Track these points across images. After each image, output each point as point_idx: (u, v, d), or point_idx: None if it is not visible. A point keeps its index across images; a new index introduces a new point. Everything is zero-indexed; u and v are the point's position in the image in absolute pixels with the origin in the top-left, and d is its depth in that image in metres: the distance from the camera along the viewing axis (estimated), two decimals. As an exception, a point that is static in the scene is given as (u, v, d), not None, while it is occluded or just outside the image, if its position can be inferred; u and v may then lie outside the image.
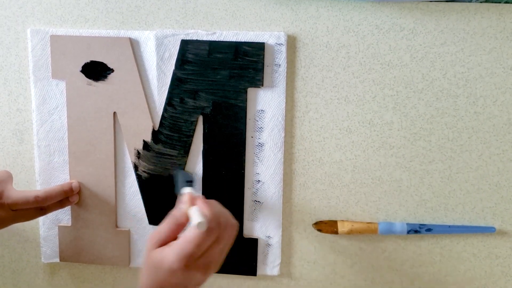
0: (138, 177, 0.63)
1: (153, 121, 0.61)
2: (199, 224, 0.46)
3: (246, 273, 0.64)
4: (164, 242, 0.48)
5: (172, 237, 0.48)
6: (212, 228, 0.47)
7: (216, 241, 0.48)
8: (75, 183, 0.63)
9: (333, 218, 0.63)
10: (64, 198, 0.62)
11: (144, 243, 0.64)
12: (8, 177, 0.60)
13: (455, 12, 0.57)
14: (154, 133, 0.61)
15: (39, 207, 0.60)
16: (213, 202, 0.50)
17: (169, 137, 0.61)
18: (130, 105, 0.61)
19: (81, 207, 0.64)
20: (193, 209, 0.48)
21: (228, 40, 0.59)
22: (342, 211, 0.62)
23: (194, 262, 0.47)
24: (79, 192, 0.63)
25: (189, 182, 0.58)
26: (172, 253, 0.46)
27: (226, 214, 0.50)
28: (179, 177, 0.60)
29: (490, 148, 0.60)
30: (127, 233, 0.64)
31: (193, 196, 0.50)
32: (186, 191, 0.51)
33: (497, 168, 0.60)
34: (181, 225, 0.48)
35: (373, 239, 0.63)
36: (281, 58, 0.59)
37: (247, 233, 0.63)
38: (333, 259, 0.64)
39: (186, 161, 0.62)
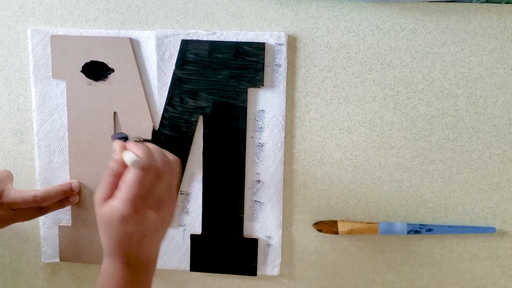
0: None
1: (153, 121, 0.61)
2: (133, 163, 0.46)
3: (246, 273, 0.64)
4: (108, 197, 0.48)
5: (114, 189, 0.48)
6: (148, 164, 0.47)
7: (157, 177, 0.48)
8: (75, 183, 0.63)
9: (333, 218, 0.63)
10: (64, 198, 0.62)
11: (144, 243, 0.64)
12: (8, 177, 0.60)
13: (456, 13, 0.57)
14: (155, 133, 0.62)
15: (38, 207, 0.60)
16: (147, 143, 0.50)
17: (169, 137, 0.61)
18: (130, 105, 0.61)
19: (81, 207, 0.64)
20: (126, 153, 0.48)
21: (228, 40, 0.59)
22: (342, 211, 0.62)
23: (142, 203, 0.46)
24: (79, 192, 0.63)
25: (122, 139, 0.56)
26: (117, 201, 0.46)
27: (161, 150, 0.50)
28: (112, 139, 0.59)
29: (490, 149, 0.60)
30: (127, 233, 0.64)
31: (122, 143, 0.50)
32: (115, 143, 0.51)
33: (498, 169, 0.60)
34: (119, 175, 0.48)
35: (373, 239, 0.63)
36: (282, 58, 0.59)
37: (247, 233, 0.63)
38: (333, 259, 0.64)
39: (186, 161, 0.62)
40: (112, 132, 0.62)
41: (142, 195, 0.47)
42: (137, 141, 0.54)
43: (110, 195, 0.48)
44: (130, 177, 0.47)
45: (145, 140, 0.60)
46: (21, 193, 0.58)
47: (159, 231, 0.50)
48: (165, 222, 0.50)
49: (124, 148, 0.49)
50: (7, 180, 0.59)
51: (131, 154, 0.47)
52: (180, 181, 0.50)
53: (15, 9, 0.62)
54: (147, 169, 0.47)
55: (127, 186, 0.46)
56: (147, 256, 0.50)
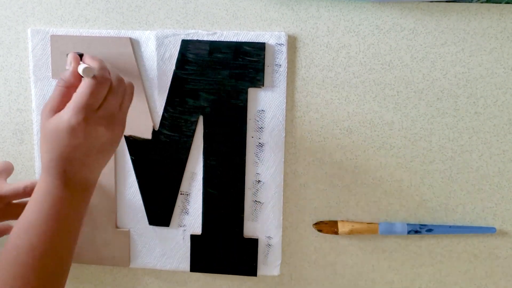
0: (139, 177, 0.63)
1: (153, 121, 0.61)
2: (85, 69, 0.45)
3: (247, 273, 0.64)
4: (57, 109, 0.47)
5: (65, 102, 0.47)
6: (102, 76, 0.46)
7: (111, 92, 0.47)
8: None
9: (334, 219, 0.63)
10: None
11: (144, 243, 0.64)
12: (3, 170, 0.59)
13: (456, 13, 0.57)
14: (155, 133, 0.61)
15: None
16: (102, 60, 0.50)
17: (169, 137, 0.61)
18: (130, 104, 0.61)
19: (81, 207, 0.64)
20: (81, 65, 0.47)
21: (228, 40, 0.59)
22: (342, 211, 0.62)
23: (92, 114, 0.45)
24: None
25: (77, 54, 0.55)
26: (67, 110, 0.45)
27: (115, 69, 0.49)
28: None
29: (490, 149, 0.60)
30: (127, 233, 0.64)
31: (77, 55, 0.49)
32: (70, 55, 0.50)
33: (498, 169, 0.60)
34: (71, 87, 0.47)
35: (373, 239, 0.63)
36: (282, 58, 0.59)
37: (247, 233, 0.63)
38: (334, 260, 0.64)
39: (186, 161, 0.62)
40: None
41: (94, 106, 0.46)
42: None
43: (60, 108, 0.47)
44: (82, 86, 0.46)
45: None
46: (11, 186, 0.57)
47: (104, 151, 0.49)
48: (112, 143, 0.49)
49: (79, 61, 0.48)
50: (1, 174, 0.59)
51: (85, 65, 0.47)
52: (130, 104, 0.51)
53: (15, 9, 0.62)
54: (100, 80, 0.46)
55: (78, 95, 0.45)
56: (86, 177, 0.49)
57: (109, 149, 0.49)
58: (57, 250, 0.47)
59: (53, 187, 0.47)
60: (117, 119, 0.49)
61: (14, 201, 0.59)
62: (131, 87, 0.51)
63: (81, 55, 0.52)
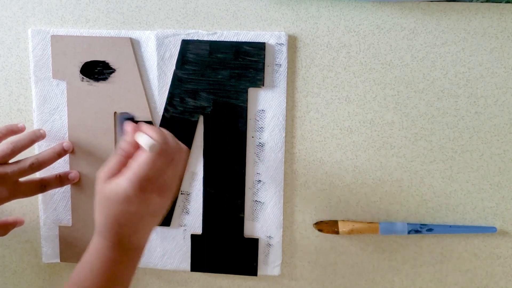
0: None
1: (153, 121, 0.61)
2: (151, 146, 0.45)
3: (247, 273, 0.64)
4: (113, 175, 0.47)
5: (121, 168, 0.47)
6: (163, 149, 0.46)
7: (168, 163, 0.47)
8: (66, 143, 0.62)
9: (334, 218, 0.63)
10: (63, 175, 0.62)
11: (144, 243, 0.64)
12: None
13: (456, 12, 0.57)
14: (155, 133, 0.61)
15: (39, 183, 0.60)
16: (161, 128, 0.50)
17: (169, 137, 0.61)
18: (130, 105, 0.61)
19: (81, 208, 0.64)
20: (140, 135, 0.47)
21: (228, 40, 0.59)
22: (342, 211, 0.62)
23: (149, 186, 0.46)
24: (79, 181, 0.63)
25: (129, 119, 0.55)
26: (125, 179, 0.46)
27: (173, 137, 0.50)
28: (119, 119, 0.59)
29: (491, 148, 0.60)
30: (128, 233, 0.64)
31: (135, 125, 0.49)
32: (127, 124, 0.50)
33: (498, 168, 0.60)
34: (129, 156, 0.48)
35: (374, 239, 0.63)
36: (282, 58, 0.59)
37: (247, 233, 0.63)
38: (334, 259, 0.64)
39: (186, 161, 0.62)
40: (112, 133, 0.62)
41: (151, 178, 0.46)
42: (145, 121, 0.53)
43: (115, 174, 0.47)
44: (143, 158, 0.46)
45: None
46: (17, 164, 0.58)
47: (156, 216, 0.49)
48: (163, 207, 0.50)
49: (136, 130, 0.49)
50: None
51: (147, 137, 0.46)
52: (184, 170, 0.51)
53: (16, 10, 0.62)
54: (161, 153, 0.46)
55: (138, 166, 0.46)
56: (138, 240, 0.49)
57: (160, 213, 0.50)
58: None
59: (106, 248, 0.48)
60: (171, 186, 0.49)
61: (22, 180, 0.59)
62: (186, 152, 0.51)
63: (132, 118, 0.53)
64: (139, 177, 0.46)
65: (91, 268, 0.48)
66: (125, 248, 0.49)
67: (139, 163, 0.46)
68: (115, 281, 0.49)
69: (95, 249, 0.49)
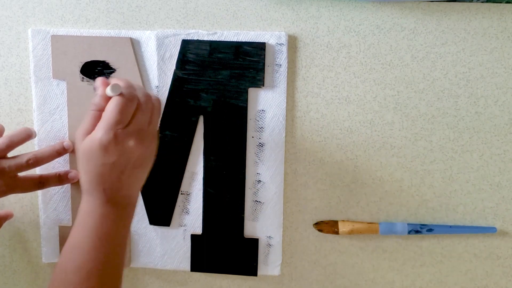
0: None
1: (154, 121, 0.61)
2: (112, 86, 0.46)
3: (247, 273, 0.64)
4: (91, 131, 0.48)
5: (96, 124, 0.48)
6: (129, 93, 0.47)
7: (139, 109, 0.48)
8: (66, 142, 0.62)
9: (334, 218, 0.63)
10: (63, 174, 0.62)
11: (144, 243, 0.64)
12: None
13: (456, 12, 0.57)
14: (155, 133, 0.62)
15: (37, 179, 0.60)
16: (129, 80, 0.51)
17: (170, 137, 0.61)
18: (159, 119, 0.61)
19: (81, 207, 0.64)
20: (108, 86, 0.48)
21: (229, 40, 0.59)
22: (343, 211, 0.62)
23: (122, 132, 0.47)
24: (79, 183, 0.63)
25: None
26: (97, 130, 0.47)
27: (142, 86, 0.51)
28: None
29: (491, 148, 0.59)
30: (128, 233, 0.64)
31: (104, 79, 0.50)
32: (98, 80, 0.51)
33: (498, 168, 0.60)
34: (102, 110, 0.48)
35: (374, 239, 0.63)
36: (282, 58, 0.59)
37: (248, 233, 0.63)
38: (334, 259, 0.64)
39: (186, 161, 0.62)
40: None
41: (123, 123, 0.47)
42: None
43: (92, 130, 0.48)
44: (110, 105, 0.47)
45: None
46: (14, 159, 0.58)
47: (140, 167, 0.50)
48: (146, 159, 0.50)
49: (107, 84, 0.49)
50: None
51: (111, 84, 0.48)
52: (159, 119, 0.52)
53: (16, 9, 0.62)
54: (127, 97, 0.47)
55: (107, 114, 0.47)
56: (126, 194, 0.50)
57: (144, 164, 0.50)
58: (103, 269, 0.48)
59: (95, 206, 0.48)
60: (148, 134, 0.50)
61: (20, 175, 0.59)
62: (159, 102, 0.52)
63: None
64: (110, 124, 0.46)
65: (84, 227, 0.48)
66: (115, 203, 0.49)
67: (107, 110, 0.47)
68: (109, 238, 0.48)
69: (85, 208, 0.49)
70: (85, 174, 0.49)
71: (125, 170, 0.48)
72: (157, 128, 0.52)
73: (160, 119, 0.52)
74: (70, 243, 0.49)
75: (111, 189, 0.48)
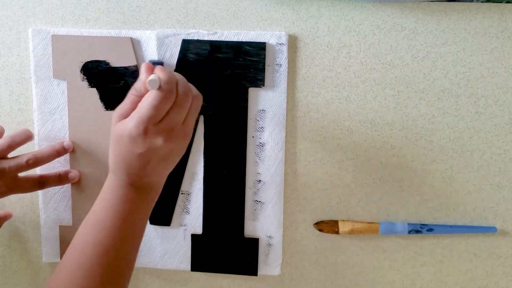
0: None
1: (154, 121, 0.61)
2: (150, 81, 0.46)
3: (247, 273, 0.64)
4: (126, 115, 0.48)
5: (133, 109, 0.48)
6: (168, 90, 0.47)
7: (175, 105, 0.48)
8: (67, 142, 0.62)
9: (334, 218, 0.63)
10: (63, 174, 0.62)
11: (144, 242, 0.64)
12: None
13: (457, 12, 0.57)
14: (155, 133, 0.61)
15: (37, 180, 0.60)
16: (176, 73, 0.50)
17: (170, 137, 0.61)
18: (196, 118, 0.61)
19: (82, 207, 0.64)
20: (151, 75, 0.47)
21: (229, 40, 0.59)
22: (343, 211, 0.62)
23: (153, 127, 0.46)
24: (79, 180, 0.63)
25: (156, 64, 0.55)
26: (130, 120, 0.47)
27: (185, 81, 0.50)
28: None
29: (491, 148, 0.59)
30: (128, 233, 0.64)
31: (150, 65, 0.50)
32: (144, 65, 0.50)
33: (499, 168, 0.60)
34: (142, 96, 0.48)
35: (374, 239, 0.63)
36: (282, 58, 0.59)
37: (248, 233, 0.63)
38: (334, 259, 0.64)
39: (187, 161, 0.62)
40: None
41: (156, 119, 0.46)
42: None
43: (127, 114, 0.48)
44: (147, 99, 0.46)
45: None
46: (14, 159, 0.58)
47: (166, 161, 0.50)
48: (174, 154, 0.50)
49: (152, 71, 0.49)
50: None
51: (154, 75, 0.47)
52: (198, 119, 0.52)
53: (16, 9, 0.62)
54: (166, 93, 0.46)
55: (141, 107, 0.46)
56: (150, 181, 0.50)
57: (171, 159, 0.51)
58: (121, 247, 0.49)
59: (118, 186, 0.49)
60: (179, 132, 0.49)
61: (20, 175, 0.60)
62: (199, 99, 0.51)
63: (161, 63, 0.53)
64: (142, 118, 0.46)
65: (107, 205, 0.49)
66: (138, 187, 0.49)
67: (143, 103, 0.47)
68: (130, 219, 0.49)
69: (109, 186, 0.50)
70: (112, 154, 0.49)
71: (151, 161, 0.48)
72: (192, 126, 0.51)
73: (196, 118, 0.51)
74: (91, 218, 0.50)
75: (136, 174, 0.49)
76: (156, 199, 0.52)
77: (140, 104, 0.47)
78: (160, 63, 0.54)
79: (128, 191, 0.49)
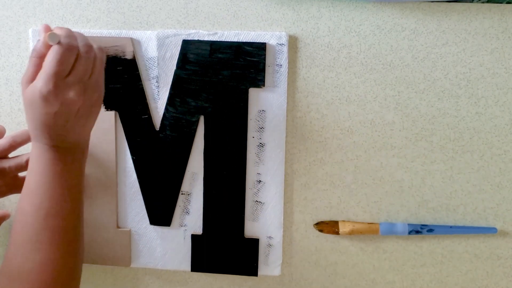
0: (139, 177, 0.63)
1: (154, 121, 0.61)
2: (49, 35, 0.46)
3: (247, 273, 0.64)
4: (33, 78, 0.48)
5: (38, 71, 0.48)
6: (68, 43, 0.47)
7: (79, 58, 0.48)
8: None
9: (334, 219, 0.63)
10: None
11: (145, 243, 0.64)
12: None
13: (457, 13, 0.57)
14: (155, 133, 0.61)
15: None
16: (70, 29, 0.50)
17: (170, 137, 0.61)
18: (131, 105, 0.61)
19: (82, 207, 0.64)
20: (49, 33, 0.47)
21: (229, 40, 0.59)
22: (343, 211, 0.62)
23: (62, 82, 0.47)
24: None
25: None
26: (38, 80, 0.47)
27: (84, 36, 0.50)
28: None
29: (491, 149, 0.59)
30: (128, 233, 0.64)
31: (47, 25, 0.49)
32: (41, 27, 0.50)
33: (499, 169, 0.60)
34: (43, 57, 0.48)
35: (374, 239, 0.63)
36: (283, 58, 0.59)
37: (248, 233, 0.63)
38: (334, 260, 0.64)
39: (187, 161, 0.62)
40: (113, 133, 0.62)
41: (62, 74, 0.46)
42: None
43: (34, 77, 0.48)
44: (49, 55, 0.47)
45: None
46: (14, 159, 0.58)
47: (85, 116, 0.50)
48: (91, 108, 0.50)
49: (49, 30, 0.49)
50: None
51: (52, 31, 0.47)
52: (103, 69, 0.52)
53: (16, 9, 0.62)
54: (66, 47, 0.46)
55: (46, 64, 0.46)
56: (74, 140, 0.50)
57: (89, 113, 0.50)
58: (61, 208, 0.49)
59: (42, 150, 0.49)
60: (90, 84, 0.49)
61: (20, 175, 0.60)
62: (102, 52, 0.51)
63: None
64: (49, 75, 0.46)
65: (36, 171, 0.50)
66: (61, 148, 0.50)
67: (47, 60, 0.47)
68: (61, 179, 0.50)
69: (35, 154, 0.50)
70: (30, 121, 0.49)
71: (68, 119, 0.48)
72: (102, 79, 0.51)
73: (102, 69, 0.51)
74: (26, 188, 0.50)
75: (57, 135, 0.49)
76: (84, 156, 0.53)
77: (44, 63, 0.47)
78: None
79: (53, 153, 0.49)
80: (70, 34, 0.48)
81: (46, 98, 0.46)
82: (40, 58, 0.48)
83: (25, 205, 0.50)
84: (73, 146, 0.51)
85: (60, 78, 0.46)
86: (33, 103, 0.47)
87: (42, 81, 0.46)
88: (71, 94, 0.47)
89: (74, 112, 0.48)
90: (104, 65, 0.52)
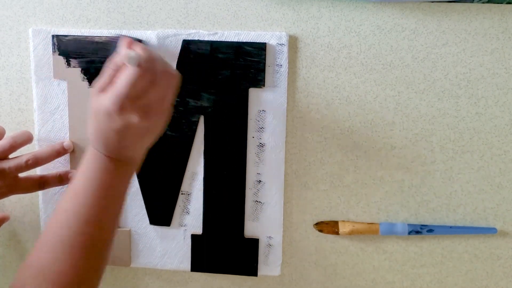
0: (139, 177, 0.63)
1: (154, 121, 0.61)
2: (129, 58, 0.45)
3: (247, 273, 0.64)
4: (103, 90, 0.48)
5: (112, 83, 0.48)
6: (146, 68, 0.46)
7: (152, 84, 0.47)
8: (66, 143, 0.62)
9: (334, 219, 0.63)
10: (63, 174, 0.62)
11: (144, 242, 0.64)
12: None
13: (457, 13, 0.57)
14: (156, 133, 0.61)
15: (38, 180, 0.61)
16: (152, 51, 0.50)
17: (170, 137, 0.61)
18: (174, 97, 0.61)
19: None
20: (129, 50, 0.47)
21: (229, 40, 0.59)
22: (343, 211, 0.62)
23: (129, 104, 0.46)
24: None
25: (136, 40, 0.55)
26: (108, 96, 0.47)
27: (164, 60, 0.50)
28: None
29: (491, 149, 0.59)
30: (128, 233, 0.64)
31: (130, 40, 0.49)
32: (122, 38, 0.50)
33: (499, 169, 0.60)
34: (121, 69, 0.48)
35: (374, 239, 0.63)
36: (283, 58, 0.59)
37: (248, 233, 0.63)
38: (334, 260, 0.64)
39: (187, 161, 0.62)
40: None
41: (131, 96, 0.46)
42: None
43: (106, 88, 0.48)
44: (124, 75, 0.46)
45: None
46: (14, 160, 0.58)
47: (143, 137, 0.50)
48: (151, 131, 0.50)
49: (130, 45, 0.49)
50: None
51: (131, 51, 0.47)
52: (175, 97, 0.51)
53: (17, 9, 0.62)
54: (143, 71, 0.46)
55: (119, 83, 0.46)
56: (127, 156, 0.50)
57: (148, 136, 0.51)
58: (102, 217, 0.49)
59: (98, 158, 0.50)
60: (156, 110, 0.49)
61: (21, 175, 0.60)
62: (176, 77, 0.51)
63: (139, 40, 0.52)
64: (118, 95, 0.46)
65: (86, 176, 0.50)
66: (117, 160, 0.50)
67: (120, 79, 0.46)
68: (109, 190, 0.50)
69: (89, 158, 0.50)
70: (92, 128, 0.50)
71: (127, 137, 0.48)
72: (170, 105, 0.51)
73: (174, 97, 0.51)
74: (71, 189, 0.50)
75: (113, 148, 0.49)
76: (133, 172, 0.53)
77: (117, 80, 0.47)
78: (139, 41, 0.53)
79: (106, 163, 0.50)
80: (151, 58, 0.47)
81: (111, 116, 0.47)
82: (116, 72, 0.48)
83: (67, 205, 0.49)
84: (126, 161, 0.51)
85: (128, 100, 0.46)
86: (98, 115, 0.48)
87: (109, 100, 0.46)
88: (135, 117, 0.47)
89: (135, 132, 0.48)
90: (175, 92, 0.51)
